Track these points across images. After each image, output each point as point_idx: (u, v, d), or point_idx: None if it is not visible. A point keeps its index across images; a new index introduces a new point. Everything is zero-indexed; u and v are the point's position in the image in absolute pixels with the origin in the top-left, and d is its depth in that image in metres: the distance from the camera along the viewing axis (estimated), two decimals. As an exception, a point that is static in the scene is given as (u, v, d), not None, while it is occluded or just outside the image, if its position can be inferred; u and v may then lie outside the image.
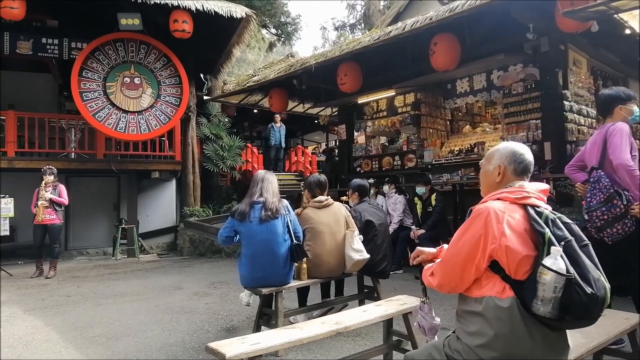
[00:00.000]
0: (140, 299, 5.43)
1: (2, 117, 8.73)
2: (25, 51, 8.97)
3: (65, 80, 9.61)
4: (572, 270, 1.45)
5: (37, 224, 6.99)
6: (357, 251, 3.76)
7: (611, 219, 2.89)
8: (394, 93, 8.70)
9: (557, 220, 1.59)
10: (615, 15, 5.45)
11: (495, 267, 1.60)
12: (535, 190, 1.69)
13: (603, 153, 3.03)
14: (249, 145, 12.92)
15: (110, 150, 9.70)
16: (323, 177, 4.12)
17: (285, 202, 3.57)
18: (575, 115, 6.55)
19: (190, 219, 10.03)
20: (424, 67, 7.18)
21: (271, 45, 20.89)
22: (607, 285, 1.50)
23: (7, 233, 7.58)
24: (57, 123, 9.29)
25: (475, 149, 7.54)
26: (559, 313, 1.46)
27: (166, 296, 5.54)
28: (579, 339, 1.97)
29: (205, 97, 11.83)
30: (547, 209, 1.64)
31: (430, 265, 1.85)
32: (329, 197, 4.00)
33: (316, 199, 3.91)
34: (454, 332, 1.75)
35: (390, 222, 6.47)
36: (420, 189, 6.33)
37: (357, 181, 4.59)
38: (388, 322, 3.02)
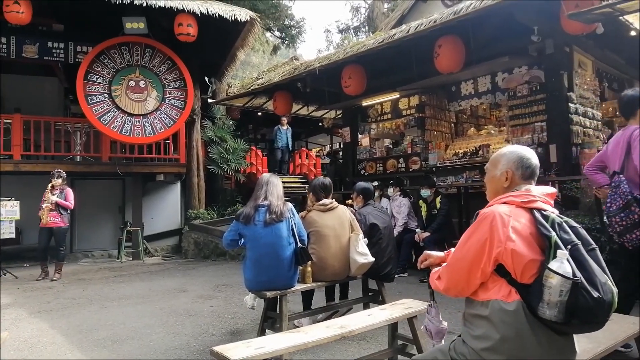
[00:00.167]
0: (145, 301, 5.44)
1: (8, 121, 8.82)
2: (31, 55, 9.04)
3: (71, 84, 9.70)
4: (578, 274, 1.44)
5: (42, 227, 7.05)
6: (362, 254, 3.75)
7: (630, 225, 2.85)
8: (398, 95, 8.70)
9: (564, 223, 1.58)
10: (621, 17, 5.43)
11: (501, 270, 1.59)
12: (542, 193, 1.69)
13: (626, 157, 2.99)
14: (254, 147, 12.96)
15: (115, 153, 9.75)
16: (328, 180, 4.11)
17: (290, 205, 3.57)
18: (580, 117, 6.52)
19: (195, 222, 10.06)
20: (428, 70, 7.16)
21: (275, 48, 21.00)
22: (615, 290, 1.49)
23: (13, 236, 7.62)
24: (63, 126, 9.35)
25: (480, 152, 7.51)
26: (565, 317, 1.45)
27: (171, 299, 5.55)
28: (586, 344, 1.95)
29: (209, 100, 11.88)
30: (553, 212, 1.63)
31: (437, 269, 1.85)
32: (334, 200, 4.00)
33: (321, 202, 3.91)
34: (459, 336, 1.74)
35: (395, 225, 6.45)
36: (425, 192, 6.31)
37: (361, 184, 4.58)
38: (393, 326, 3.01)
